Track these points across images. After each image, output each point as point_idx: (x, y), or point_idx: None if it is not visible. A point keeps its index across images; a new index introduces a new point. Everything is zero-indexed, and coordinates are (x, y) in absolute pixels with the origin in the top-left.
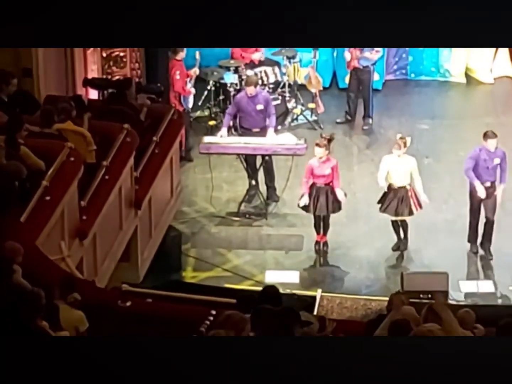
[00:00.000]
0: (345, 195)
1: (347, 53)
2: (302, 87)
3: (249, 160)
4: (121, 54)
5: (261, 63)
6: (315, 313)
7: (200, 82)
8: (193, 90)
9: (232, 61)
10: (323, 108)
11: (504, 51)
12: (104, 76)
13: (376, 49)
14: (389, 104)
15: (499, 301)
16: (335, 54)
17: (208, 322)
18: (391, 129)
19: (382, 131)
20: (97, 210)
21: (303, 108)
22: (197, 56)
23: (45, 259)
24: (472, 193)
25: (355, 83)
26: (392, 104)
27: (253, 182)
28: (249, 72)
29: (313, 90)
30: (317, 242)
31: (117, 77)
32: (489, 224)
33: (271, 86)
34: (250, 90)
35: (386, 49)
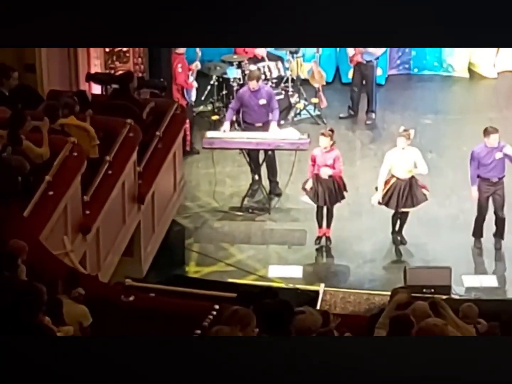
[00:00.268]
0: (346, 188)
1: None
2: (305, 81)
3: (252, 155)
4: (124, 49)
5: (264, 58)
6: (318, 307)
7: (203, 77)
8: (195, 84)
9: (235, 56)
10: (326, 103)
11: None
12: (107, 71)
13: None
14: (392, 98)
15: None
16: (338, 48)
17: (211, 317)
18: (394, 124)
19: (385, 126)
20: (100, 205)
21: (306, 103)
22: (198, 50)
23: (48, 254)
24: (480, 188)
25: (358, 77)
26: (395, 99)
27: (256, 177)
28: (252, 67)
29: (316, 85)
30: (318, 238)
31: (120, 72)
32: (500, 221)
33: (274, 80)
34: (253, 84)
35: None
